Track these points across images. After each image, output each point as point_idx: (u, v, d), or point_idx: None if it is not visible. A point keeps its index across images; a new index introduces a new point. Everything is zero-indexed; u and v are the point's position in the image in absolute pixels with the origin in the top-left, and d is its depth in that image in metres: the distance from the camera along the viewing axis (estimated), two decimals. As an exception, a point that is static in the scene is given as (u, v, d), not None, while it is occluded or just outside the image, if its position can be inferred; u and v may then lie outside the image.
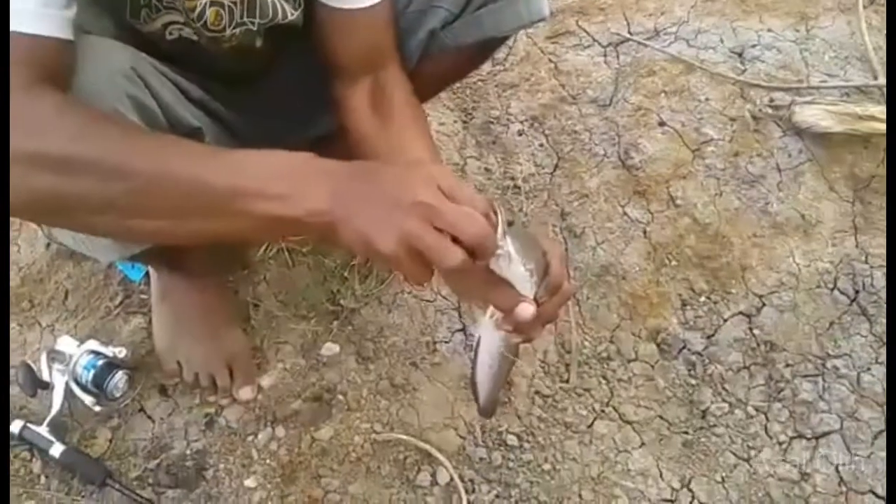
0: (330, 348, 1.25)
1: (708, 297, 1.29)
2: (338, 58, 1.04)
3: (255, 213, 0.68)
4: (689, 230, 1.36)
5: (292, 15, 1.00)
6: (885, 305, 1.25)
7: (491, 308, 0.78)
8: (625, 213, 1.39)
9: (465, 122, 1.59)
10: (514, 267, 0.71)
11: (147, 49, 0.90)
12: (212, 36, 0.96)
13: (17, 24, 0.68)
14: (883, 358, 1.21)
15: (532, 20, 1.08)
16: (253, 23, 0.97)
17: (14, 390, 1.18)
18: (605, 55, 1.66)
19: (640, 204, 1.40)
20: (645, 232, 1.37)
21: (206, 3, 0.91)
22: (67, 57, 0.75)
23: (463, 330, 1.27)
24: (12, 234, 1.37)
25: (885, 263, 1.29)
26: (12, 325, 1.27)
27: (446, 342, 1.26)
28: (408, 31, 1.08)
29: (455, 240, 0.66)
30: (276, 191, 0.68)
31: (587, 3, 1.77)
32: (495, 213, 0.69)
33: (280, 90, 1.15)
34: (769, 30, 1.62)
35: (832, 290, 1.29)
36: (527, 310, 0.72)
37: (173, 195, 0.68)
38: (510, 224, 0.72)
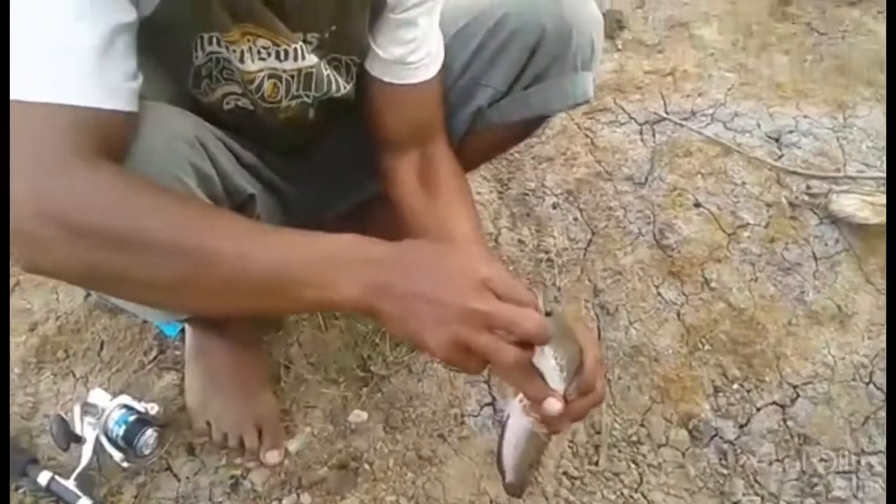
0: (358, 415, 1.25)
1: (741, 385, 1.28)
2: (387, 130, 1.06)
3: (299, 298, 0.70)
4: (723, 315, 1.35)
5: (345, 88, 1.03)
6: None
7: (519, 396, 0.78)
8: (659, 294, 1.39)
9: (500, 192, 1.61)
10: (547, 360, 0.71)
11: (204, 116, 0.93)
12: (267, 107, 0.99)
13: (82, 97, 0.70)
14: (919, 457, 1.19)
15: (577, 101, 1.11)
16: (308, 95, 1.00)
17: (45, 441, 1.19)
18: (641, 133, 1.68)
19: (674, 285, 1.40)
20: (679, 314, 1.36)
21: (264, 76, 0.94)
22: (130, 128, 0.77)
23: (492, 404, 1.27)
24: (51, 282, 1.39)
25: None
26: (47, 373, 1.28)
27: (475, 416, 1.25)
28: (455, 107, 1.11)
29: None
30: (320, 279, 0.69)
31: (624, 81, 1.80)
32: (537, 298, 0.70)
33: (329, 158, 1.17)
34: (806, 116, 1.64)
35: (868, 384, 1.28)
36: (554, 405, 0.72)
37: (222, 276, 0.70)
38: (548, 314, 0.72)
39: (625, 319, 1.36)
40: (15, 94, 0.69)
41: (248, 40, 0.89)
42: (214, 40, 0.88)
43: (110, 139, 0.73)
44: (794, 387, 1.28)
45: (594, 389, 0.76)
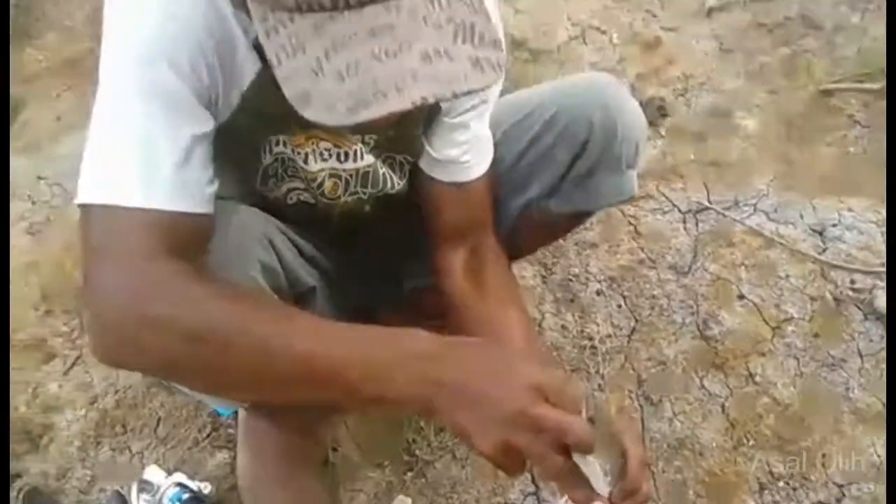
0: (403, 501, 1.27)
1: (787, 483, 1.28)
2: (438, 225, 1.12)
3: (358, 391, 0.73)
4: (768, 409, 1.36)
5: (399, 185, 1.09)
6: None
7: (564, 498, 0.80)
8: (703, 386, 1.40)
9: (544, 277, 1.64)
10: (591, 465, 0.73)
11: (269, 209, 0.99)
12: (327, 202, 1.05)
13: (165, 202, 0.76)
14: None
15: (623, 198, 1.16)
16: (364, 192, 1.06)
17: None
18: (684, 221, 1.71)
19: (718, 377, 1.41)
20: (723, 407, 1.37)
21: (325, 175, 1.01)
22: (207, 227, 0.83)
23: (535, 494, 1.28)
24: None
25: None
26: (105, 448, 1.33)
27: (518, 504, 1.27)
28: (506, 198, 1.16)
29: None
30: (380, 373, 0.72)
31: (667, 169, 1.84)
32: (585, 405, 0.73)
33: (381, 248, 1.22)
34: (850, 210, 1.66)
35: (916, 486, 1.26)
36: None
37: (290, 372, 0.73)
38: (591, 420, 0.74)
39: (669, 411, 1.37)
40: (98, 197, 0.75)
41: (312, 143, 0.96)
42: (282, 142, 0.95)
43: (190, 239, 0.79)
44: (840, 486, 1.27)
45: (639, 490, 0.78)
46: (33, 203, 1.80)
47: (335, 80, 0.62)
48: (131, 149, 0.77)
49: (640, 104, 2.05)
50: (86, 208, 0.76)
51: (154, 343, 0.72)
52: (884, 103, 1.94)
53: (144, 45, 0.77)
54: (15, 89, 2.30)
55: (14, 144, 2.07)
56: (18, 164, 1.90)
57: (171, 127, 0.78)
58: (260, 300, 0.86)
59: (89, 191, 0.76)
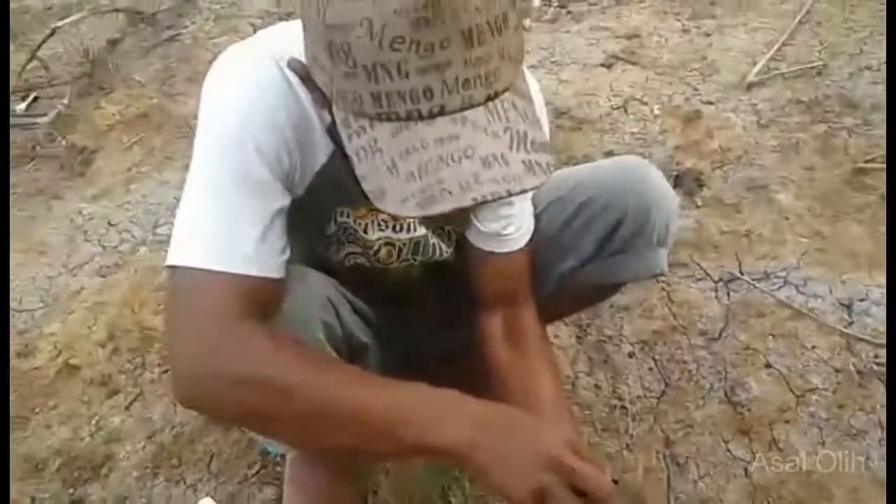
0: (432, 544, 1.34)
1: (808, 549, 1.32)
2: (482, 291, 1.21)
3: (406, 441, 0.82)
4: (790, 476, 1.40)
5: (447, 253, 1.19)
6: None
7: None
8: (728, 450, 1.46)
9: (579, 337, 1.72)
10: None
11: (328, 270, 1.09)
12: (380, 267, 1.15)
13: (246, 268, 0.87)
14: None
15: (652, 273, 1.24)
16: (415, 259, 1.17)
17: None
18: (716, 290, 1.78)
19: (743, 442, 1.47)
20: (746, 471, 1.42)
21: (381, 243, 1.11)
22: (280, 290, 0.94)
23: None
24: (171, 395, 1.56)
25: None
26: (161, 479, 1.43)
27: (546, 554, 1.33)
28: (545, 267, 1.25)
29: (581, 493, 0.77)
30: (424, 424, 0.81)
31: (702, 239, 1.91)
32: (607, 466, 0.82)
33: (427, 309, 1.32)
34: (878, 285, 1.71)
35: (935, 558, 1.29)
36: None
37: (348, 423, 0.83)
38: (615, 482, 0.83)
39: (694, 473, 1.43)
40: (186, 260, 0.87)
41: (372, 215, 1.07)
42: (346, 214, 1.06)
43: (264, 301, 0.90)
44: (860, 554, 1.31)
45: None
46: (103, 248, 1.94)
47: (407, 179, 0.73)
48: (218, 222, 0.88)
49: (678, 175, 2.18)
50: (173, 270, 0.88)
51: (227, 396, 0.83)
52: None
53: (235, 129, 0.89)
54: (88, 141, 2.48)
55: (87, 192, 2.23)
56: (91, 211, 2.06)
57: (254, 204, 0.90)
58: (325, 359, 0.96)
59: (178, 254, 0.88)
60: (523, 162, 0.75)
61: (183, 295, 0.87)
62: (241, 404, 0.84)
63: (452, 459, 0.83)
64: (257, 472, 1.43)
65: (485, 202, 0.73)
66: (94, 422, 1.54)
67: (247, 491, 1.40)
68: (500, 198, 0.74)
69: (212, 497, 1.34)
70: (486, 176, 0.73)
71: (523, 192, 0.75)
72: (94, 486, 1.44)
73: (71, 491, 1.45)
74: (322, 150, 0.96)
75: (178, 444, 1.48)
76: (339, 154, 0.92)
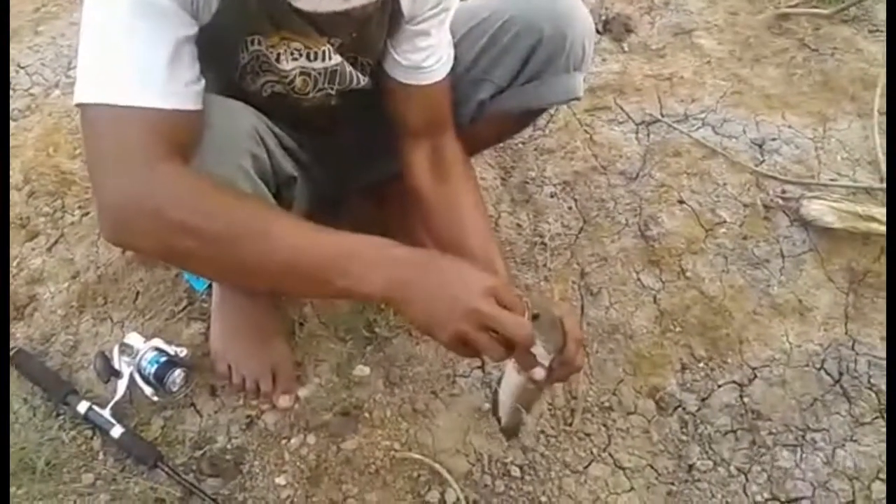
0: (361, 370, 1.40)
1: (706, 364, 1.42)
2: (403, 123, 1.22)
3: (333, 285, 0.85)
4: (695, 301, 1.50)
5: (364, 82, 1.18)
6: (864, 390, 1.38)
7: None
8: (638, 279, 1.54)
9: (503, 179, 1.75)
10: (536, 346, 0.89)
11: (247, 102, 1.08)
12: (297, 97, 1.14)
13: (157, 101, 0.86)
14: (857, 437, 1.33)
15: (568, 97, 1.26)
16: (332, 88, 1.15)
17: (83, 375, 1.36)
18: (636, 132, 1.81)
19: (653, 272, 1.54)
20: (655, 298, 1.51)
21: (296, 73, 1.10)
22: (198, 123, 0.93)
23: (482, 367, 1.41)
24: (92, 237, 1.55)
25: (869, 352, 1.42)
26: (87, 317, 1.44)
27: (465, 377, 1.40)
28: (462, 98, 1.25)
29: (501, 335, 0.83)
30: (355, 271, 0.84)
31: (625, 83, 1.93)
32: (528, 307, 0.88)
33: (351, 141, 1.32)
34: (789, 126, 1.77)
35: (819, 370, 1.42)
36: (539, 373, 0.91)
37: (275, 265, 0.86)
38: (535, 316, 0.89)
39: (606, 300, 1.51)
40: (96, 97, 0.85)
41: (285, 43, 1.05)
42: (257, 41, 1.03)
43: (182, 134, 0.89)
44: (753, 368, 1.42)
45: (574, 362, 0.94)
46: (14, 91, 1.85)
47: None
48: (123, 53, 0.86)
49: (606, 20, 2.17)
50: (84, 108, 0.86)
51: (158, 237, 0.84)
52: (834, 29, 2.05)
53: None
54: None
55: (-9, 34, 2.10)
56: (-3, 53, 1.95)
57: (159, 32, 0.87)
58: (252, 202, 0.95)
59: (87, 91, 0.86)
60: None
61: (101, 135, 0.86)
62: (171, 249, 0.86)
63: (380, 302, 0.88)
64: (184, 309, 1.45)
65: None
66: (15, 263, 1.52)
67: (174, 327, 1.42)
68: None
69: (139, 333, 1.36)
70: None
71: None
72: (18, 325, 1.45)
73: (-4, 331, 1.45)
74: None
75: (102, 284, 1.48)
76: None
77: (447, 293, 0.83)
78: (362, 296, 0.86)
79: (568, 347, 0.92)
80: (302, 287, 0.93)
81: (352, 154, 1.33)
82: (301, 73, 1.10)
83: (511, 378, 0.99)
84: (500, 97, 1.24)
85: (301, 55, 1.07)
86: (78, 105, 0.87)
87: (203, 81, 0.92)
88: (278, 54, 1.06)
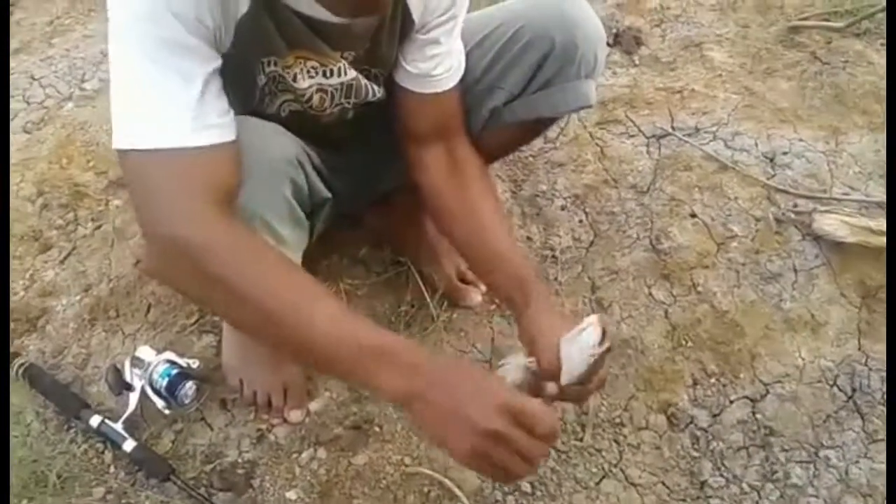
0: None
1: (717, 379, 1.42)
2: (416, 130, 1.22)
3: (358, 380, 0.89)
4: (706, 316, 1.49)
5: (379, 93, 1.18)
6: (878, 406, 1.37)
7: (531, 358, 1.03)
8: (650, 294, 1.53)
9: (514, 192, 1.75)
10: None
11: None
12: (315, 114, 1.15)
13: (187, 137, 0.87)
14: (871, 454, 1.33)
15: (580, 105, 1.26)
16: (348, 102, 1.16)
17: (95, 388, 1.36)
18: (647, 146, 1.81)
19: (664, 286, 1.54)
20: (666, 313, 1.50)
21: (313, 91, 1.10)
22: (235, 153, 0.94)
23: (489, 361, 1.41)
24: (105, 250, 1.56)
25: (883, 367, 1.41)
26: (98, 329, 1.45)
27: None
28: (474, 106, 1.26)
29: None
30: (381, 377, 0.85)
31: (636, 97, 1.93)
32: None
33: (364, 152, 1.33)
34: (801, 140, 1.77)
35: (832, 386, 1.41)
36: (552, 388, 0.98)
37: (309, 353, 0.89)
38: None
39: (617, 315, 1.51)
40: (130, 143, 0.87)
41: (300, 63, 1.06)
42: (273, 63, 1.04)
43: (224, 168, 0.91)
44: (765, 384, 1.41)
45: (584, 398, 1.03)
46: (28, 104, 1.86)
47: None
48: (153, 96, 0.87)
49: (617, 33, 2.17)
50: (125, 154, 0.88)
51: (195, 285, 0.90)
52: (845, 42, 2.04)
53: (147, 1, 0.85)
54: (6, -10, 2.32)
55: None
56: (12, 66, 1.96)
57: (187, 70, 0.88)
58: (290, 274, 0.93)
59: (126, 138, 0.88)
60: None
61: (144, 180, 0.88)
62: (205, 299, 0.94)
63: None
64: (196, 322, 1.45)
65: None
66: (27, 276, 1.53)
67: (185, 340, 1.43)
68: None
69: (150, 346, 1.36)
70: None
71: None
72: (31, 338, 1.45)
73: (9, 343, 1.46)
74: (242, 1, 0.93)
75: (114, 297, 1.49)
76: (258, 2, 0.92)
77: (462, 413, 0.83)
78: (381, 396, 0.88)
79: (588, 387, 0.99)
80: (326, 370, 1.05)
81: (367, 166, 1.33)
82: (318, 91, 1.11)
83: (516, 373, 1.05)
84: (513, 105, 1.25)
85: (317, 73, 1.08)
86: (118, 150, 0.89)
87: (232, 112, 0.94)
88: (295, 74, 1.07)
